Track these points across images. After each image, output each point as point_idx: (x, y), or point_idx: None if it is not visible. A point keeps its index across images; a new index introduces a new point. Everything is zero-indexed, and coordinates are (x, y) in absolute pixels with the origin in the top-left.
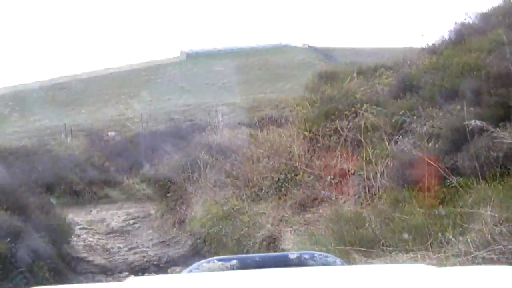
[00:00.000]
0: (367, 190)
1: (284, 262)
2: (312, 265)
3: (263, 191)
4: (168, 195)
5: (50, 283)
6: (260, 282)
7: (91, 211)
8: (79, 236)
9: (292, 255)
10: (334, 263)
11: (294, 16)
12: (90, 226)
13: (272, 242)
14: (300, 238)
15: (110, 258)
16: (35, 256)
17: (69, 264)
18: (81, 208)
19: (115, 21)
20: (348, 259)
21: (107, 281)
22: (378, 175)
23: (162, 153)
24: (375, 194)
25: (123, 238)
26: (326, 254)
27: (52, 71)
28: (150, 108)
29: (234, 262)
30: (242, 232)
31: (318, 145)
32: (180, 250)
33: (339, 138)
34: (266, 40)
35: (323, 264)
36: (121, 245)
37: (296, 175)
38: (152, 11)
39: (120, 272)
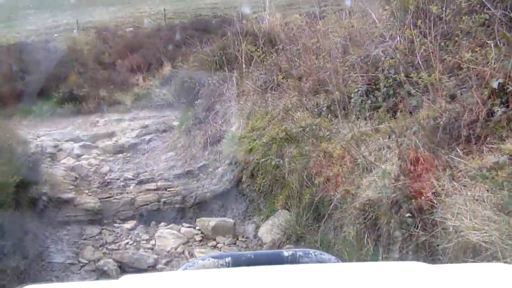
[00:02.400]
0: None
1: (278, 260)
2: (307, 262)
3: (353, 100)
4: (196, 102)
5: None
6: (254, 279)
7: (97, 121)
8: (78, 157)
9: (287, 252)
10: (329, 261)
11: None
12: (94, 142)
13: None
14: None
15: (109, 197)
16: None
17: (43, 211)
18: (84, 118)
19: None
20: None
21: (100, 236)
22: None
23: (187, 50)
24: None
25: (135, 162)
26: (320, 252)
27: None
28: (175, 7)
29: (228, 259)
30: (329, 172)
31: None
32: (216, 187)
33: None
34: None
35: (318, 262)
36: (129, 174)
37: (419, 74)
38: None
39: (122, 219)
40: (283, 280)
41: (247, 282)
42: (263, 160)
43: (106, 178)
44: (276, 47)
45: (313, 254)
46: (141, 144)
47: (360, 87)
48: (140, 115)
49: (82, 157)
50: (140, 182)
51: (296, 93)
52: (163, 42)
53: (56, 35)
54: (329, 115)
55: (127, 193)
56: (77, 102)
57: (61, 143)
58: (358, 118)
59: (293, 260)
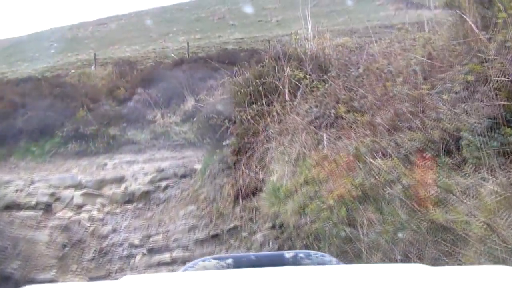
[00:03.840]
0: None
1: (279, 261)
2: (308, 264)
3: (465, 142)
4: (224, 143)
5: None
6: (255, 281)
7: (105, 164)
8: (78, 208)
9: (288, 254)
10: (329, 262)
11: None
12: (100, 189)
13: None
14: None
15: (106, 277)
16: None
17: None
18: (91, 159)
19: None
20: None
21: None
22: None
23: (213, 83)
24: None
25: (146, 216)
26: (322, 253)
27: (97, 11)
28: (198, 43)
29: (230, 261)
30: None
31: None
32: None
33: None
34: None
35: (319, 263)
36: (136, 238)
37: None
38: None
39: None
40: (284, 282)
41: (248, 284)
42: (322, 225)
43: (105, 243)
44: (328, 74)
45: (314, 256)
46: (155, 192)
47: (478, 122)
48: (156, 156)
49: (83, 208)
50: (150, 251)
51: (366, 132)
52: (186, 75)
53: (73, 71)
54: (425, 162)
55: (131, 269)
56: (83, 142)
57: (60, 191)
58: (478, 167)
59: (295, 261)
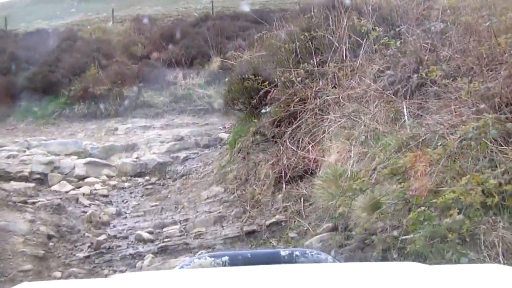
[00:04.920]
0: None
1: (275, 259)
2: (304, 262)
3: None
4: (263, 110)
5: None
6: (251, 279)
7: (116, 128)
8: (79, 180)
9: (284, 252)
10: (325, 260)
11: None
12: (108, 158)
13: None
14: None
15: None
16: None
17: None
18: (100, 123)
19: None
20: None
21: None
22: None
23: (241, 42)
24: None
25: (159, 195)
26: (318, 252)
27: None
28: (223, 4)
29: (226, 258)
30: None
31: None
32: None
33: None
34: None
35: (315, 261)
36: (146, 229)
37: None
38: None
39: None
40: (280, 280)
41: (244, 282)
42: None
43: (105, 235)
44: (398, 29)
45: (310, 254)
46: (172, 165)
47: None
48: (175, 122)
49: (85, 180)
50: (163, 251)
51: (473, 105)
52: (211, 33)
53: (89, 27)
54: None
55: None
56: (93, 103)
57: (59, 159)
58: None
59: (290, 259)
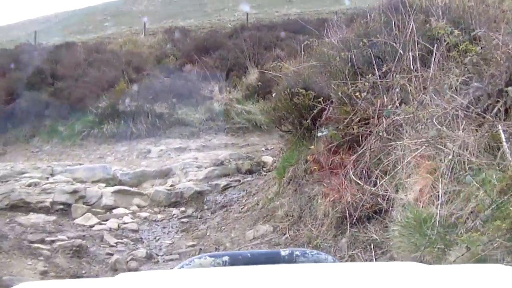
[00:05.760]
0: None
1: (275, 259)
2: (304, 262)
3: None
4: (319, 133)
5: None
6: (250, 279)
7: (149, 151)
8: (107, 211)
9: (284, 252)
10: (325, 260)
11: None
12: (139, 185)
13: None
14: None
15: None
16: None
17: None
18: (131, 144)
19: None
20: None
21: None
22: None
23: (280, 53)
24: None
25: (196, 234)
26: (317, 252)
27: None
28: (257, 17)
29: (226, 258)
30: None
31: None
32: None
33: None
34: None
35: (315, 261)
36: None
37: None
38: None
39: None
40: (280, 280)
41: (244, 282)
42: None
43: None
44: (473, 34)
45: (310, 253)
46: (210, 194)
47: None
48: (213, 143)
49: (113, 212)
50: None
51: None
52: (247, 44)
53: (120, 40)
54: None
55: None
56: (123, 121)
57: (85, 187)
58: None
59: (290, 259)
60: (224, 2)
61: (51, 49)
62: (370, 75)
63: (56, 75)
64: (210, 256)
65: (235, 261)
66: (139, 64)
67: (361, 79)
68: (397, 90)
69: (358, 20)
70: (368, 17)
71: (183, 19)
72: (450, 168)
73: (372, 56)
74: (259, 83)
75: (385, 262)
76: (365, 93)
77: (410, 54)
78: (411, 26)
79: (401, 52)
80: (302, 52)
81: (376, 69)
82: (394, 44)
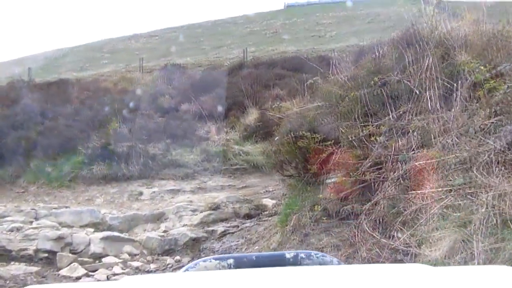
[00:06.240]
0: None
1: (280, 262)
2: (309, 264)
3: None
4: (328, 180)
5: None
6: (256, 281)
7: (141, 193)
8: (95, 260)
9: (289, 254)
10: (330, 263)
11: None
12: (130, 230)
13: None
14: None
15: None
16: None
17: None
18: (122, 186)
19: None
20: None
21: None
22: None
23: (279, 92)
24: None
25: None
26: (323, 254)
27: (149, 23)
28: (254, 55)
29: (231, 261)
30: None
31: None
32: None
33: None
34: None
35: (320, 264)
36: None
37: None
38: None
39: None
40: (285, 282)
41: (249, 284)
42: None
43: None
44: (500, 68)
45: (315, 256)
46: (207, 241)
47: None
48: (209, 185)
49: (102, 261)
50: None
51: None
52: (245, 82)
53: (115, 77)
54: None
55: None
56: (114, 162)
57: (72, 232)
58: None
59: (295, 262)
60: (222, 40)
61: (43, 86)
62: (386, 118)
63: (46, 114)
64: (215, 259)
65: (240, 263)
66: (133, 103)
67: (372, 121)
68: (415, 133)
69: (368, 56)
70: (378, 52)
71: (181, 57)
72: (485, 221)
73: (385, 95)
74: (259, 123)
75: (390, 264)
76: (380, 137)
77: (427, 93)
78: (427, 62)
79: (417, 91)
80: (306, 92)
81: (390, 110)
82: (409, 83)
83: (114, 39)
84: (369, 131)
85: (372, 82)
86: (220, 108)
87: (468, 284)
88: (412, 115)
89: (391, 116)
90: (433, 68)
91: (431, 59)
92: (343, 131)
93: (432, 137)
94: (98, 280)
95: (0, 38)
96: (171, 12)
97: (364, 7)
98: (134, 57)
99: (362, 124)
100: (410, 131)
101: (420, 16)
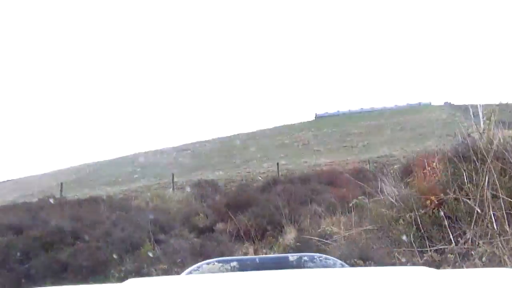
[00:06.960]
0: None
1: (284, 264)
2: (312, 267)
3: None
4: None
5: None
6: (259, 284)
7: None
8: None
9: (292, 257)
10: (334, 265)
11: (432, 74)
12: None
13: None
14: None
15: None
16: None
17: None
18: None
19: (246, 87)
20: None
21: None
22: None
23: (317, 208)
24: None
25: None
26: (326, 256)
27: (180, 136)
28: (286, 167)
29: (234, 263)
30: None
31: None
32: None
33: None
34: (402, 100)
35: (323, 266)
36: None
37: None
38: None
39: None
40: (288, 285)
41: (252, 287)
42: None
43: None
44: None
45: (318, 258)
46: None
47: None
48: None
49: None
50: None
51: None
52: (281, 198)
53: (149, 194)
54: None
55: None
56: None
57: None
58: None
59: (299, 264)
60: (253, 153)
61: (74, 204)
62: (447, 242)
63: (77, 234)
64: (219, 262)
65: (243, 266)
66: (166, 222)
67: (430, 245)
68: (483, 258)
69: (417, 172)
70: (429, 168)
71: (212, 171)
72: None
73: (442, 216)
74: (298, 243)
75: (394, 267)
76: (436, 263)
77: (490, 212)
78: (486, 178)
79: (479, 210)
80: (351, 211)
81: (450, 233)
82: (468, 201)
83: (145, 152)
84: (428, 257)
85: (428, 202)
86: (257, 227)
87: (471, 286)
88: (476, 237)
89: (450, 238)
90: (493, 183)
91: (491, 174)
92: (398, 258)
93: (502, 262)
94: None
95: (34, 151)
96: (201, 125)
97: (392, 115)
98: (165, 171)
99: (419, 250)
100: (477, 257)
101: (469, 127)
